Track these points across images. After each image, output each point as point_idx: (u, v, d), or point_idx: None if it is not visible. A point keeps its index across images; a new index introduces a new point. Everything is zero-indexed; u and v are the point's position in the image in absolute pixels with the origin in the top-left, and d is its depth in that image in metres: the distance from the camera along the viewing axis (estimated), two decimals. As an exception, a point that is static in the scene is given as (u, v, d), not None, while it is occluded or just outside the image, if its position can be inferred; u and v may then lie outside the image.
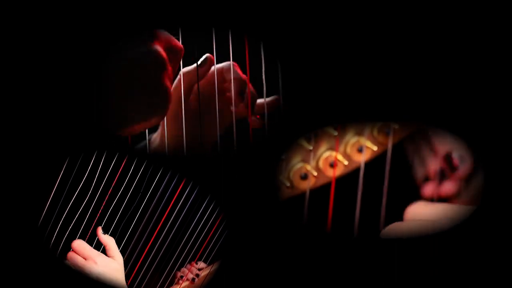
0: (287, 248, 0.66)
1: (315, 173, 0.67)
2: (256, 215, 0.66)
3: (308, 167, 0.67)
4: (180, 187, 0.67)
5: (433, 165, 0.68)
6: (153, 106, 0.60)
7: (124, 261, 0.66)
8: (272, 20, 0.63)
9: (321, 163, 0.67)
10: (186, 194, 0.67)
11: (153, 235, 0.68)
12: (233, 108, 0.68)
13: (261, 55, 0.65)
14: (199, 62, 0.67)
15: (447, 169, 0.67)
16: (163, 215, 0.68)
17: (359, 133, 0.67)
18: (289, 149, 0.67)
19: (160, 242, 0.68)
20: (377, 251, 0.65)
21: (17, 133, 0.63)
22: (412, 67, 0.64)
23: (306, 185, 0.67)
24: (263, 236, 0.66)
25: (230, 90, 0.67)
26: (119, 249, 0.66)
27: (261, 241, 0.66)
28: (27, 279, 0.65)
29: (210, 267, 0.70)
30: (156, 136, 0.71)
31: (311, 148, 0.67)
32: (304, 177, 0.67)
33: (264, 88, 0.67)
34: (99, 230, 0.66)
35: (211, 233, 0.69)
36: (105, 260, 0.65)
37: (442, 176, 0.68)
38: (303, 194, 0.67)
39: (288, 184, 0.67)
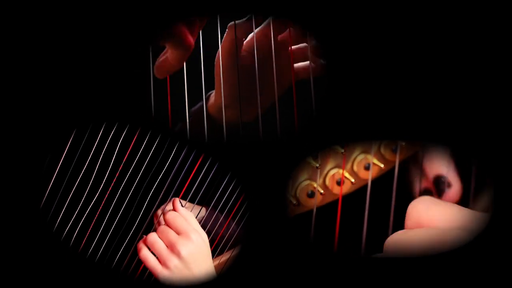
0: (294, 266, 0.66)
1: (322, 191, 0.67)
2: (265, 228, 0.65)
3: (315, 185, 0.67)
4: (198, 163, 0.63)
5: (418, 186, 0.69)
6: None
7: (137, 242, 0.63)
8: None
9: (328, 181, 0.67)
10: (205, 172, 0.64)
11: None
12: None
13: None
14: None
15: (434, 192, 0.67)
16: (179, 194, 0.64)
17: (366, 151, 0.67)
18: (296, 167, 0.67)
19: None
20: (384, 269, 0.65)
21: (20, 103, 0.60)
22: (420, 85, 0.64)
23: (313, 202, 0.67)
24: (270, 254, 0.66)
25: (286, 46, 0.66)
26: (131, 231, 0.63)
27: (268, 259, 0.66)
28: (31, 264, 0.61)
29: (230, 252, 0.68)
30: (212, 94, 0.70)
31: (317, 165, 0.66)
32: (311, 194, 0.67)
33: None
34: (177, 202, 0.62)
35: (231, 213, 0.66)
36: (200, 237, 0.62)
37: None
38: (310, 211, 0.67)
39: (295, 202, 0.67)
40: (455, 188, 0.68)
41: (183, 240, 0.61)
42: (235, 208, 0.66)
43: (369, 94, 0.64)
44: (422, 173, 0.69)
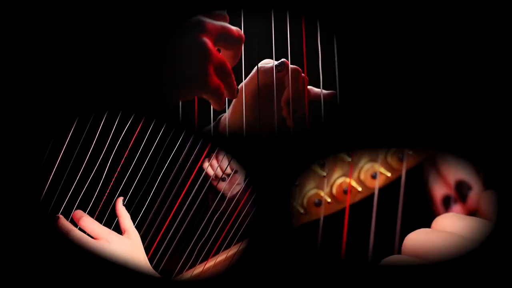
0: (301, 274, 0.66)
1: (329, 200, 0.67)
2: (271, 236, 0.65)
3: (322, 194, 0.67)
4: (205, 153, 0.63)
5: (440, 192, 0.68)
6: (193, 87, 0.60)
7: (141, 236, 0.61)
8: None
9: (335, 190, 0.67)
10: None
11: (174, 207, 0.64)
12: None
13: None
14: (276, 63, 0.69)
15: (458, 198, 0.67)
16: (186, 184, 0.64)
17: (373, 159, 0.67)
18: (302, 175, 0.67)
19: (182, 215, 0.64)
20: (392, 277, 0.64)
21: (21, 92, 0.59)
22: (427, 94, 0.64)
23: (320, 211, 0.67)
24: (277, 263, 0.66)
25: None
26: (136, 222, 0.62)
27: (275, 268, 0.66)
28: (29, 256, 0.60)
29: (237, 245, 0.68)
30: (223, 119, 0.71)
31: (324, 174, 0.67)
32: (318, 203, 0.67)
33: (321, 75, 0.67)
34: (120, 201, 0.61)
35: (239, 207, 0.66)
36: (119, 238, 0.60)
37: (449, 203, 0.68)
38: (317, 220, 0.67)
39: (302, 211, 0.67)
40: (476, 190, 0.67)
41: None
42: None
43: (376, 103, 0.64)
44: (442, 179, 0.69)
